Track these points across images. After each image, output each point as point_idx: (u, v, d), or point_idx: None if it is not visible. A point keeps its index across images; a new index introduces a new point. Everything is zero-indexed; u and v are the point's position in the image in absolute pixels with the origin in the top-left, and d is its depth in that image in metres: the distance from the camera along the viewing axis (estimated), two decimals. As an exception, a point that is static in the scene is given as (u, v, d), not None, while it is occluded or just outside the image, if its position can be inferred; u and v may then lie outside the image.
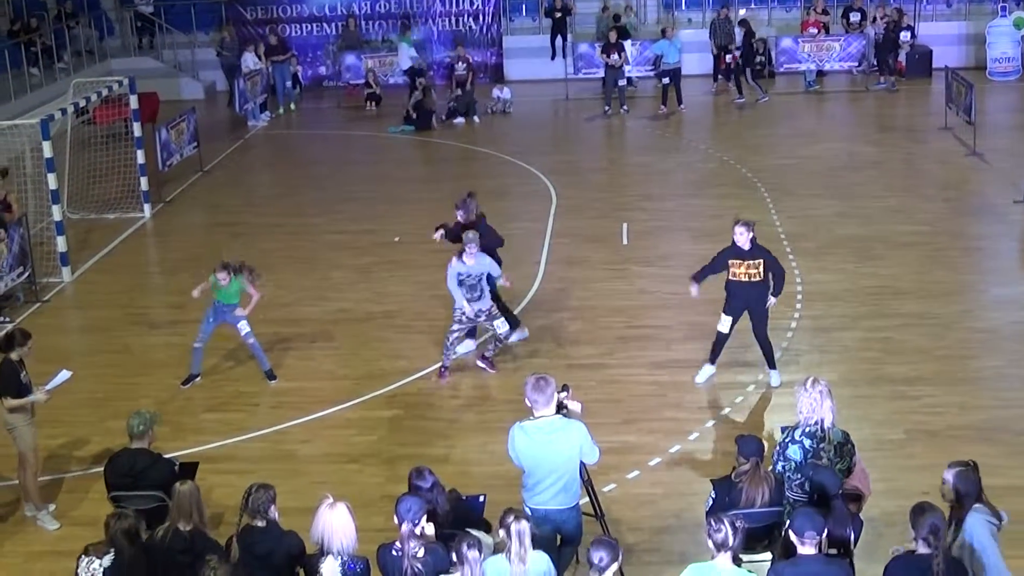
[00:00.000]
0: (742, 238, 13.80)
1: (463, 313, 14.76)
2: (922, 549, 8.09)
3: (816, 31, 32.20)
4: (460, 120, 29.86)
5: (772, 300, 14.14)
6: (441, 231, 15.59)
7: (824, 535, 8.27)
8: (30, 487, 12.30)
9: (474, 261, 14.52)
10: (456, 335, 15.07)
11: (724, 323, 14.31)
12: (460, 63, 30.65)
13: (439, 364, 15.28)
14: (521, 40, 34.75)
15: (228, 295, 14.92)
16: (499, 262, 15.07)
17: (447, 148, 27.80)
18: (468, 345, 15.72)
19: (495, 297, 15.09)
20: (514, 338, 15.58)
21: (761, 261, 13.87)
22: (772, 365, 14.54)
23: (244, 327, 15.06)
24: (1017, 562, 8.98)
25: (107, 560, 8.83)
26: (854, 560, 9.30)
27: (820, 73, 32.49)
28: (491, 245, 15.14)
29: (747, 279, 13.93)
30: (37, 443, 12.33)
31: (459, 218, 15.35)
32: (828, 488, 9.19)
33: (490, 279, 14.81)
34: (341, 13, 34.92)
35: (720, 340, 14.51)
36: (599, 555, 7.95)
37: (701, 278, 14.35)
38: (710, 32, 31.64)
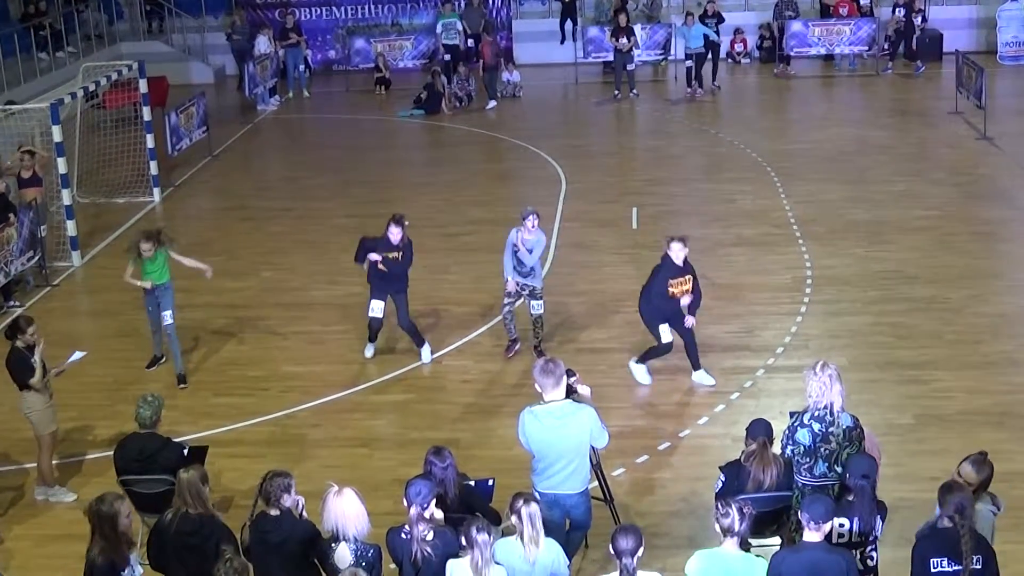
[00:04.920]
0: (680, 255, 13.78)
1: (507, 287, 14.93)
2: (947, 524, 8.13)
3: (846, 11, 32.01)
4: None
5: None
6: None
7: (828, 523, 8.25)
8: (44, 469, 12.37)
9: (531, 235, 14.61)
10: (508, 308, 15.13)
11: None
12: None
13: (507, 342, 15.40)
14: (531, 24, 34.68)
15: (156, 271, 14.58)
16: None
17: (456, 132, 27.78)
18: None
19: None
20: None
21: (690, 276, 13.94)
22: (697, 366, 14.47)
23: (168, 318, 14.76)
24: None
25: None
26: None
27: (829, 57, 32.45)
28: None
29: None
30: (56, 427, 12.43)
31: (395, 238, 14.75)
32: (866, 472, 9.09)
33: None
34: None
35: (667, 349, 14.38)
36: (625, 540, 7.92)
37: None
38: None
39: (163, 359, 15.32)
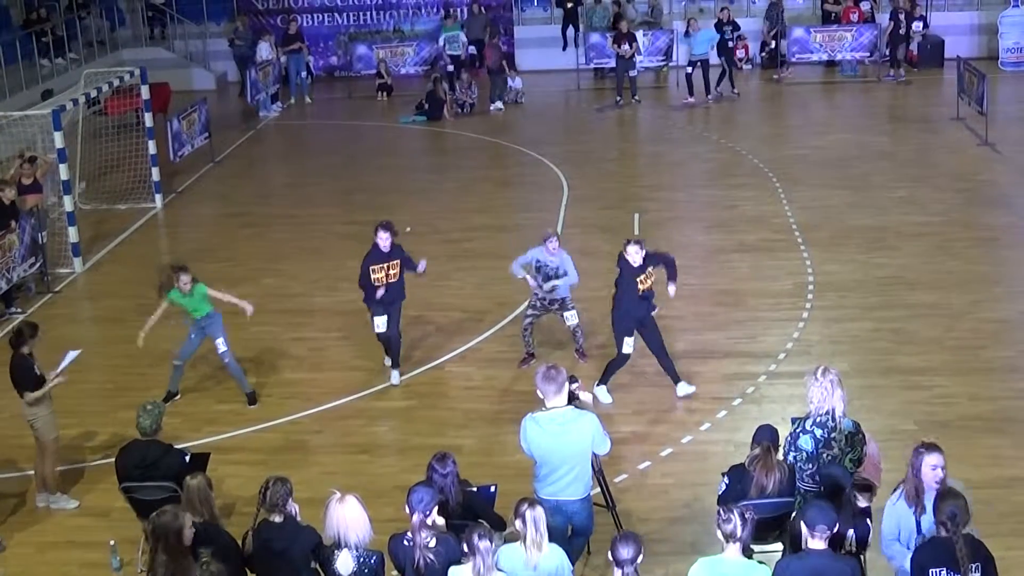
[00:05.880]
0: (637, 256, 13.49)
1: (535, 295, 14.77)
2: (941, 533, 8.11)
3: (856, 16, 31.99)
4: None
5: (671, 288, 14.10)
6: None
7: (835, 530, 8.25)
8: (48, 476, 12.37)
9: (553, 256, 14.49)
10: (530, 320, 15.01)
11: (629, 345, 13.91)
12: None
13: (523, 354, 15.25)
14: (533, 30, 34.70)
15: (195, 304, 14.13)
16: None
17: (458, 138, 27.80)
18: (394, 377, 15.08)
19: None
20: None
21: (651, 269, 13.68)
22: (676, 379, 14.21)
23: (221, 345, 14.30)
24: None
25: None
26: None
27: (832, 63, 32.46)
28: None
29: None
30: (58, 433, 12.46)
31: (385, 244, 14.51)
32: (840, 481, 9.17)
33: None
34: (352, 3, 34.91)
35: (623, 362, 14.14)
36: (625, 549, 7.95)
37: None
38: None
39: (178, 396, 14.73)
